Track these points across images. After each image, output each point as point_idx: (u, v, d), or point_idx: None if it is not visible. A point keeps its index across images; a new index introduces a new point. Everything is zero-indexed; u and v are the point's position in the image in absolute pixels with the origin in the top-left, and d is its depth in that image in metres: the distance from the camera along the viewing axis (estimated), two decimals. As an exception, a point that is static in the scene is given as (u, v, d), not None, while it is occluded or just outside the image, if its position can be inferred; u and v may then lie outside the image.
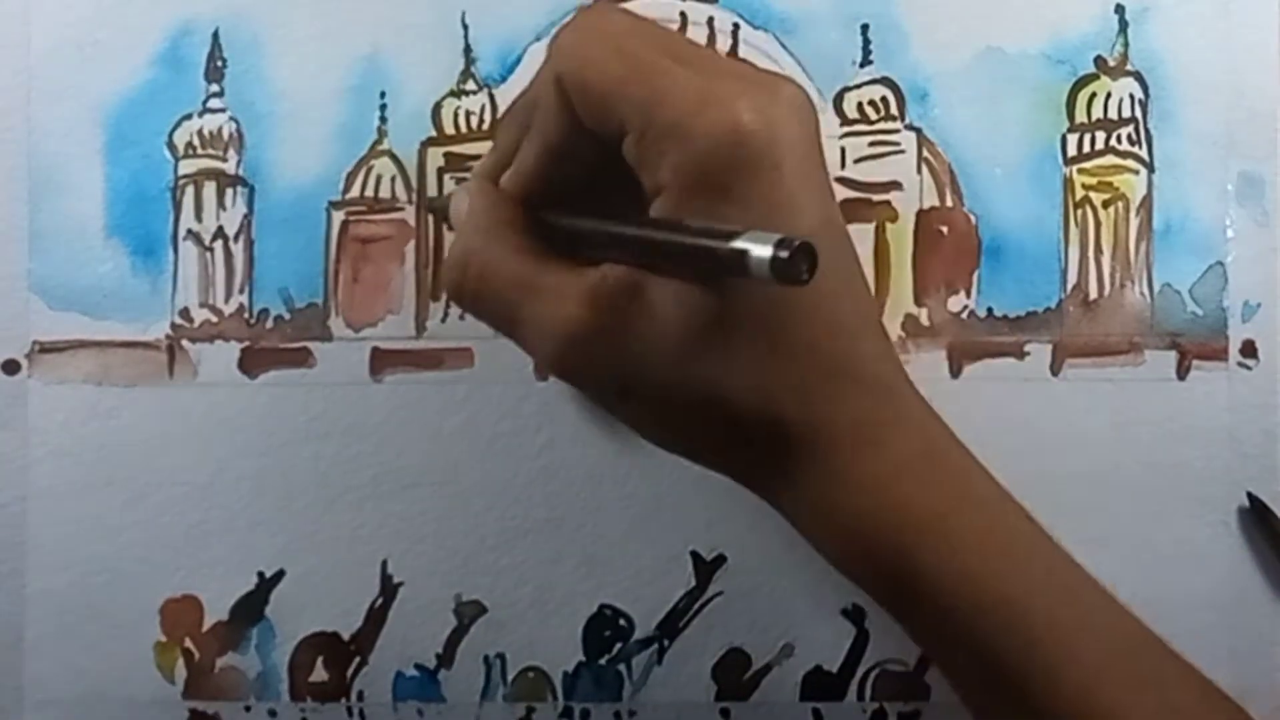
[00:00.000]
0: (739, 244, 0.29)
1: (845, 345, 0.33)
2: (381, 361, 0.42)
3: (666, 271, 0.32)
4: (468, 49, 0.42)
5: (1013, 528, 0.34)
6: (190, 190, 0.42)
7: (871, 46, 0.42)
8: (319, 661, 0.42)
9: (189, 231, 0.42)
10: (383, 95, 0.42)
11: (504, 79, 0.42)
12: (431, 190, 0.42)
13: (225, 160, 0.42)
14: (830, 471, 0.33)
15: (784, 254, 0.28)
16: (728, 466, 0.35)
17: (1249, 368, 0.42)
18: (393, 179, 0.42)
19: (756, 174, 0.31)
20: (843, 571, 0.35)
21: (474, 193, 0.36)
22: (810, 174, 0.32)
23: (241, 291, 0.42)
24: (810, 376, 0.33)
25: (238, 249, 0.42)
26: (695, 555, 0.42)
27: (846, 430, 0.33)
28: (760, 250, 0.29)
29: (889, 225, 0.42)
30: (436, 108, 0.42)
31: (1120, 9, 0.42)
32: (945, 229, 0.42)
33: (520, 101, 0.37)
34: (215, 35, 0.42)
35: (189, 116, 0.42)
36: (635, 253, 0.33)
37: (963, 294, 0.42)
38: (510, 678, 0.42)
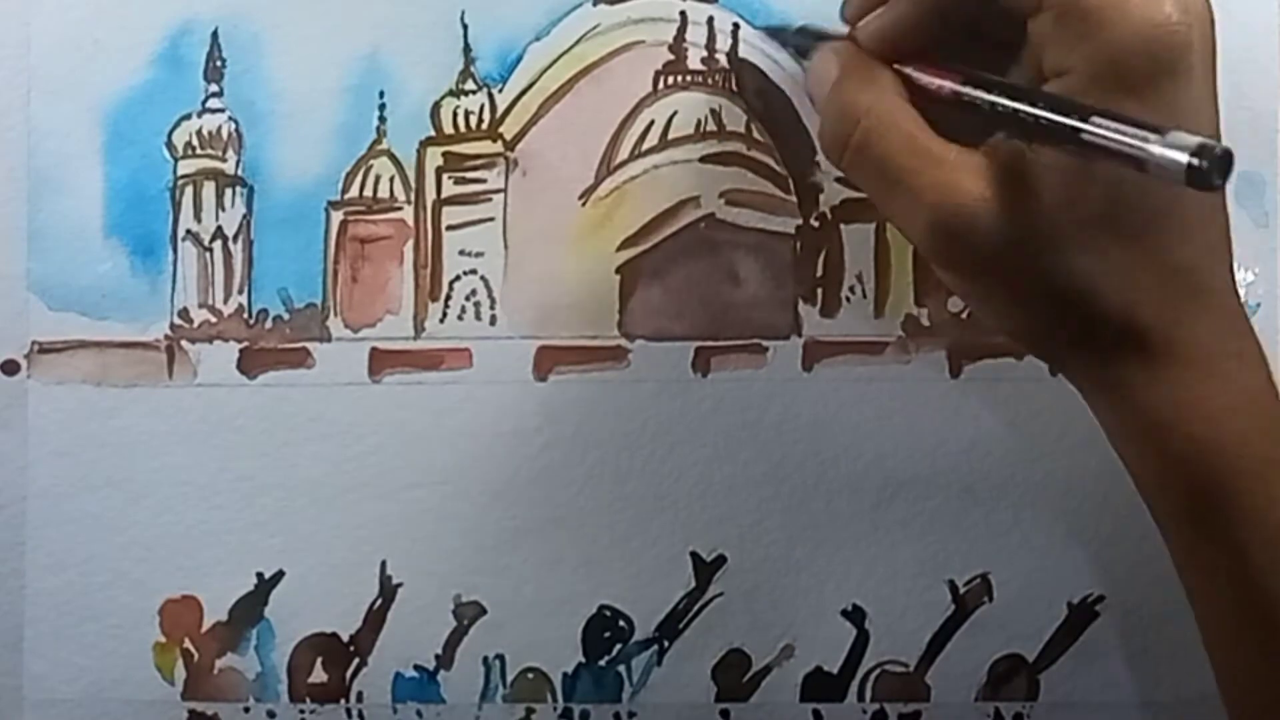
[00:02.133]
0: (1161, 148, 0.28)
1: (1214, 267, 0.33)
2: (380, 362, 0.42)
3: (1054, 151, 0.31)
4: (467, 48, 0.42)
5: None
6: (189, 190, 0.42)
7: (871, 46, 0.42)
8: (318, 662, 0.42)
9: (188, 232, 0.42)
10: (382, 95, 0.42)
11: (504, 79, 0.42)
12: (430, 190, 0.42)
13: (224, 160, 0.42)
14: (1175, 392, 0.33)
15: (1204, 163, 0.27)
16: (1069, 362, 0.35)
17: (1249, 368, 0.41)
18: (392, 179, 0.42)
19: (1172, 76, 0.31)
20: (1141, 487, 0.35)
21: (838, 49, 0.35)
22: (1211, 82, 0.32)
23: (240, 292, 0.42)
24: (1180, 292, 0.32)
25: (237, 249, 0.42)
26: (695, 556, 0.42)
27: (1202, 354, 0.33)
28: (1179, 155, 0.28)
29: (889, 225, 0.42)
30: (436, 107, 0.42)
31: (1120, 9, 0.42)
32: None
33: None
34: (215, 35, 0.42)
35: (188, 116, 0.42)
36: (1031, 131, 0.32)
37: (963, 294, 0.42)
38: (510, 679, 0.42)
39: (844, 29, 0.37)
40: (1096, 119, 0.30)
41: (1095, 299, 0.32)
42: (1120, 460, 0.35)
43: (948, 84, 0.34)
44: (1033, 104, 0.31)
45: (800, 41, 0.40)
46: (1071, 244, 0.32)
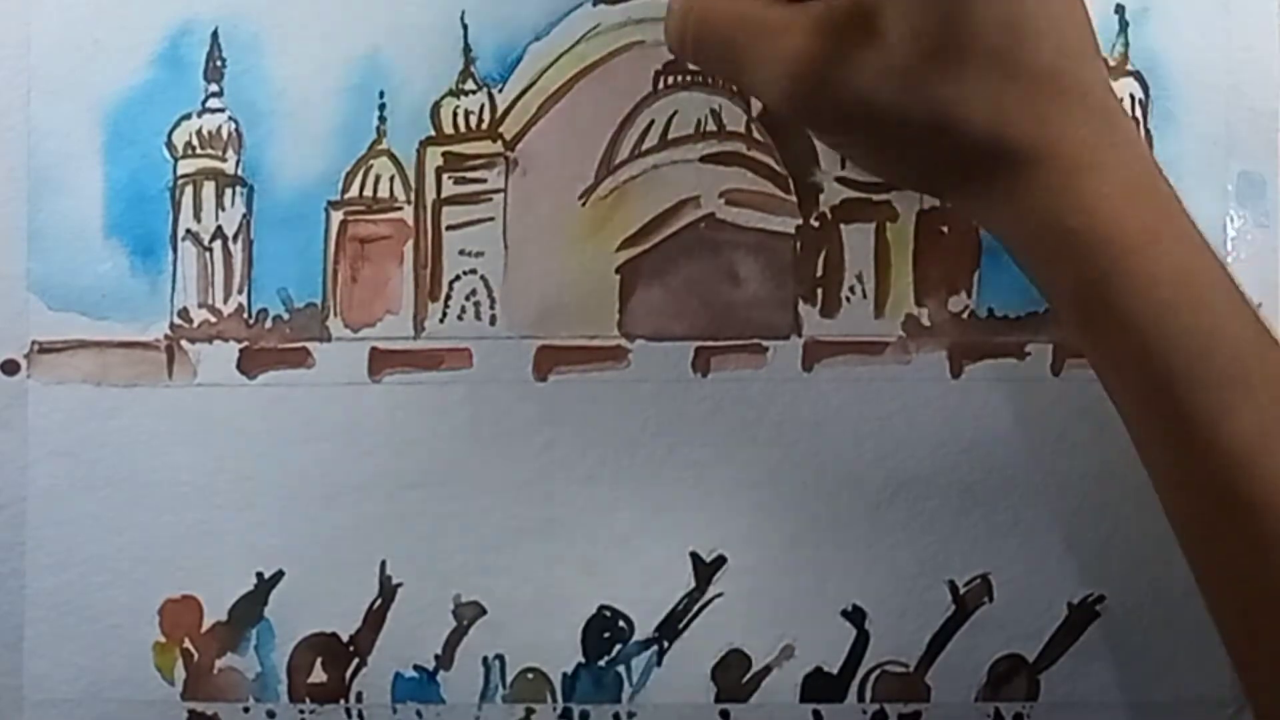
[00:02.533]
0: None
1: (1073, 66, 0.34)
2: (380, 362, 0.42)
3: None
4: (467, 48, 0.42)
5: (1207, 267, 0.34)
6: (189, 190, 0.42)
7: (871, 46, 0.42)
8: (318, 662, 0.42)
9: (188, 231, 0.42)
10: (382, 95, 0.42)
11: (504, 78, 0.42)
12: (430, 190, 0.42)
13: (224, 160, 0.42)
14: (1050, 190, 0.33)
15: None
16: (952, 192, 0.36)
17: (1249, 368, 0.41)
18: (391, 179, 0.42)
19: None
20: (1038, 286, 0.35)
21: None
22: None
23: (240, 291, 0.42)
24: (1040, 97, 0.33)
25: (237, 249, 0.42)
26: (695, 556, 0.42)
27: (1071, 150, 0.33)
28: None
29: (889, 225, 0.42)
30: (435, 107, 0.42)
31: (1120, 9, 0.42)
32: (946, 229, 0.42)
33: None
34: (214, 35, 0.42)
35: (188, 116, 0.42)
36: None
37: (963, 294, 0.42)
38: (509, 679, 0.42)
39: None
40: None
41: (961, 124, 0.33)
42: (1016, 262, 0.36)
43: None
44: None
45: None
46: (925, 77, 0.33)
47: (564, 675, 0.42)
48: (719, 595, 0.42)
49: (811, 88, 0.33)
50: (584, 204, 0.42)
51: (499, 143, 0.42)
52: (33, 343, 0.42)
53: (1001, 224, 0.35)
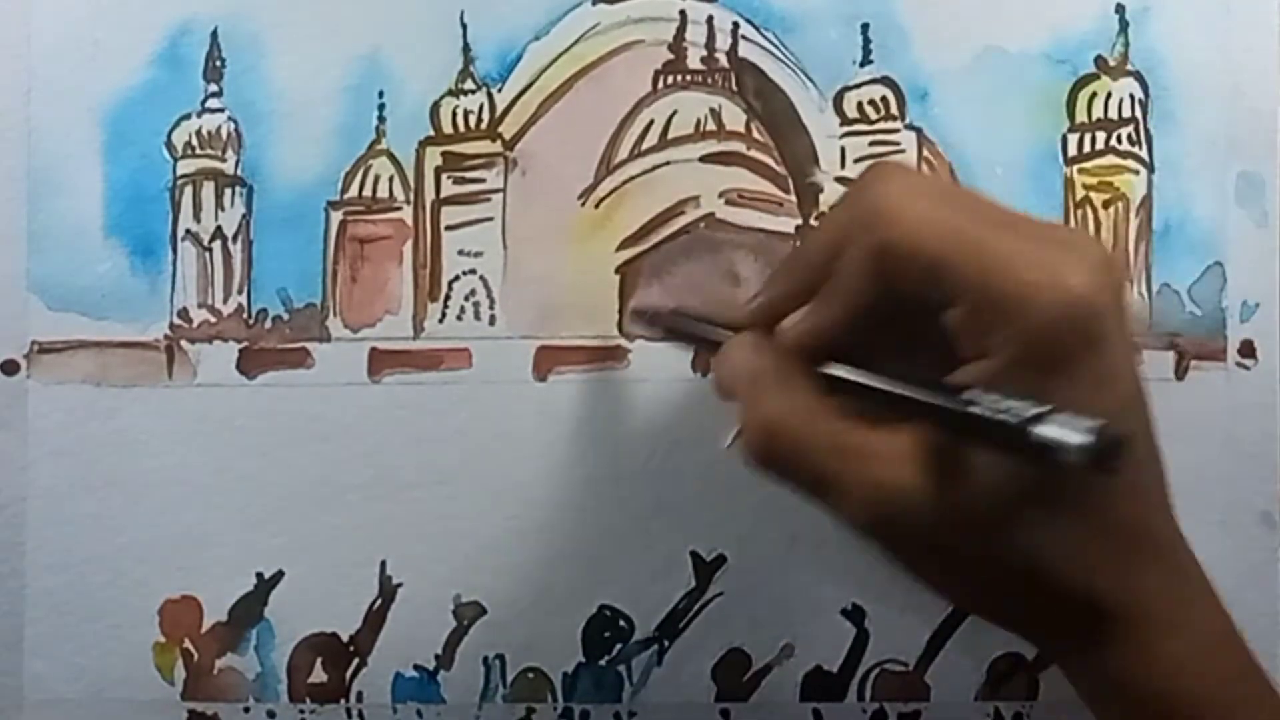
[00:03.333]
0: (1052, 432, 0.28)
1: (1154, 518, 0.33)
2: (380, 362, 0.42)
3: (973, 440, 0.31)
4: (466, 48, 0.42)
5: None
6: (189, 190, 0.42)
7: (871, 46, 0.42)
8: (318, 662, 0.42)
9: (188, 231, 0.42)
10: (381, 95, 0.42)
11: (503, 78, 0.42)
12: (429, 190, 0.42)
13: (224, 160, 0.42)
14: (1135, 649, 0.33)
15: (1099, 445, 0.28)
16: (1028, 631, 0.35)
17: (1247, 368, 0.42)
18: (391, 179, 0.42)
19: (1090, 348, 0.30)
20: None
21: (752, 348, 0.35)
22: (1128, 341, 0.32)
23: (240, 292, 0.42)
24: (1126, 552, 0.32)
25: (236, 249, 0.42)
26: (695, 555, 0.42)
27: (1155, 608, 0.32)
28: (1076, 438, 0.28)
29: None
30: (435, 107, 0.42)
31: (1120, 9, 0.42)
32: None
33: (812, 253, 0.35)
34: (214, 35, 0.42)
35: (188, 116, 0.42)
36: (941, 421, 0.31)
37: (963, 294, 0.42)
38: (510, 678, 0.42)
39: (718, 313, 0.36)
40: (979, 407, 0.30)
41: (1042, 573, 0.32)
42: (1092, 713, 0.35)
43: (866, 382, 0.33)
44: (941, 397, 0.31)
45: (676, 325, 0.38)
46: (1009, 522, 0.32)
47: (564, 675, 0.42)
48: (719, 595, 0.42)
49: (893, 520, 0.32)
50: (583, 204, 0.42)
51: (498, 142, 0.42)
52: (33, 343, 0.42)
53: (1080, 674, 0.34)
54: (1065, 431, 0.28)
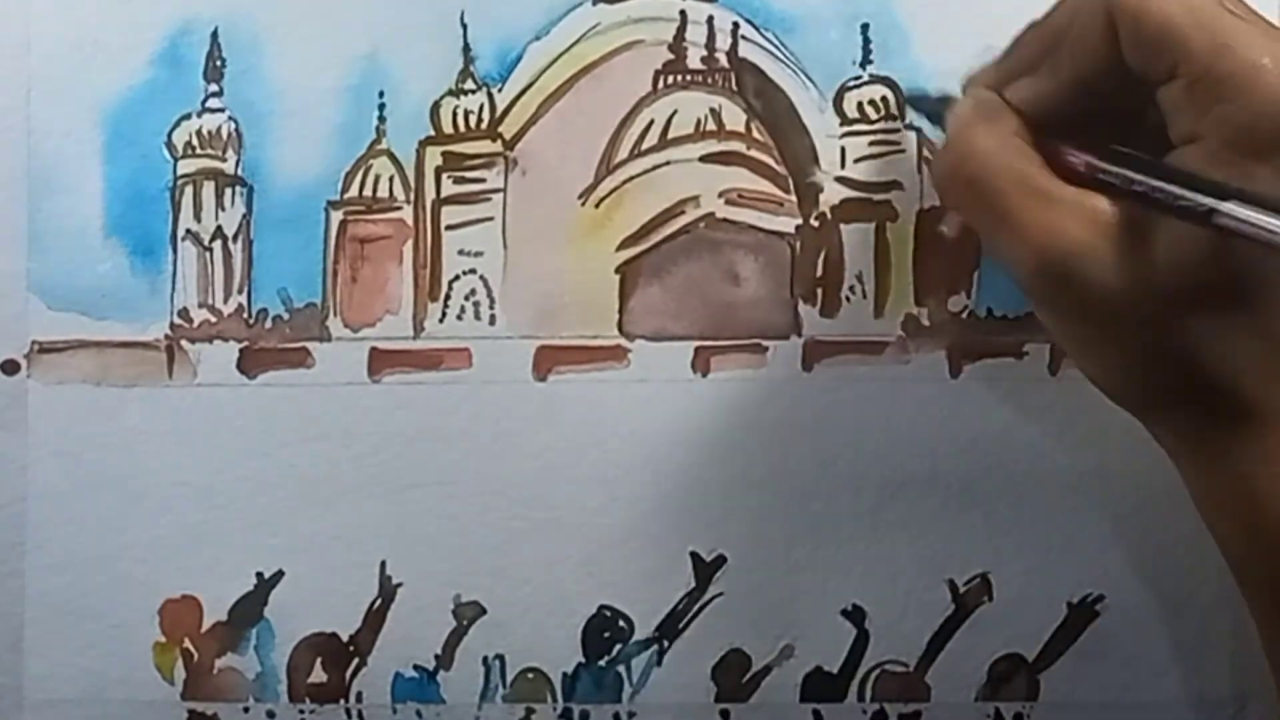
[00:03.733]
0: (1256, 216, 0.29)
1: None
2: (380, 362, 0.42)
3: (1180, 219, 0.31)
4: (466, 48, 0.42)
5: None
6: (189, 190, 0.42)
7: (871, 46, 0.42)
8: (318, 662, 0.42)
9: (188, 231, 0.42)
10: (381, 95, 0.42)
11: (503, 78, 0.42)
12: (430, 190, 0.42)
13: (224, 160, 0.42)
14: (1265, 452, 0.32)
15: None
16: (1163, 421, 0.35)
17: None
18: (391, 179, 0.42)
19: None
20: (1229, 557, 0.34)
21: (977, 96, 0.35)
22: None
23: (240, 291, 0.42)
24: (1278, 361, 0.32)
25: (236, 249, 0.42)
26: (695, 556, 0.42)
27: None
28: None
29: (889, 225, 0.42)
30: (435, 107, 0.42)
31: (1120, 8, 0.42)
32: (945, 229, 0.42)
33: (1050, 21, 0.35)
34: (214, 35, 0.42)
35: (188, 116, 0.42)
36: (1147, 201, 0.31)
37: (963, 294, 0.42)
38: (509, 679, 0.42)
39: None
40: (1233, 204, 0.30)
41: (1201, 362, 0.32)
42: (1207, 528, 0.34)
43: (1084, 159, 0.33)
44: (1169, 182, 0.31)
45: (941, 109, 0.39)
46: (1181, 305, 0.32)
47: (564, 675, 0.42)
48: (719, 595, 0.42)
49: (1064, 274, 0.32)
50: (584, 204, 0.42)
51: (498, 142, 0.42)
52: (33, 343, 0.42)
53: (1207, 477, 0.34)
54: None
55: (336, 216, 0.42)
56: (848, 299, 0.42)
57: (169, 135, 0.42)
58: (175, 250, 0.42)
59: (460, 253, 0.42)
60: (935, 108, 0.39)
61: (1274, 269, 0.31)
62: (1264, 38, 0.31)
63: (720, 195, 0.42)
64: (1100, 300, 0.32)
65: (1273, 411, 0.32)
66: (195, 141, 0.42)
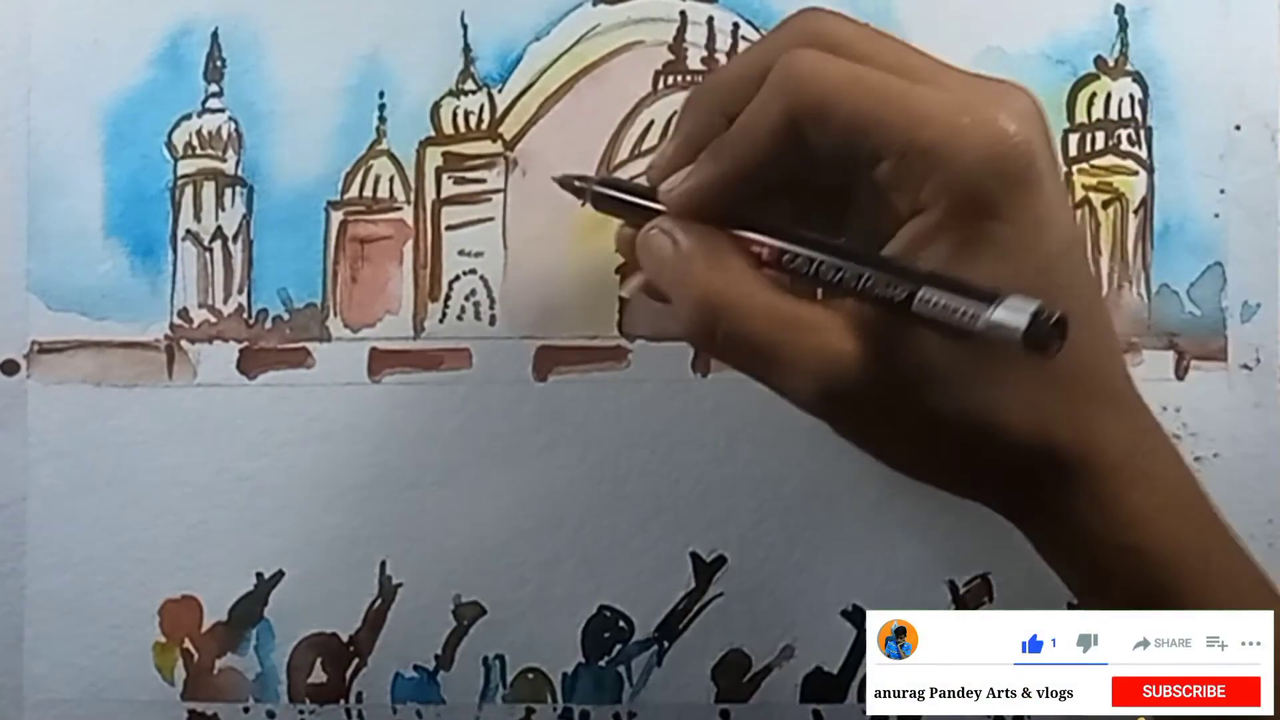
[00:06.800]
0: (993, 318, 0.28)
1: (1108, 367, 0.33)
2: (380, 362, 0.42)
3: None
4: (467, 48, 0.42)
5: (1253, 573, 0.34)
6: (189, 190, 0.42)
7: (871, 46, 0.42)
8: (318, 662, 0.42)
9: (188, 232, 0.42)
10: (381, 95, 0.42)
11: (503, 79, 0.42)
12: (430, 190, 0.42)
13: (224, 160, 0.42)
14: (1101, 502, 0.32)
15: (1038, 328, 0.28)
16: (989, 496, 0.35)
17: (1249, 368, 0.42)
18: (391, 179, 0.42)
19: (1025, 189, 0.30)
20: (1081, 599, 0.34)
21: (679, 230, 0.33)
22: (1060, 183, 0.32)
23: (240, 292, 0.42)
24: (1080, 401, 0.32)
25: (236, 249, 0.42)
26: (695, 556, 0.42)
27: (1117, 459, 0.32)
28: (1014, 320, 0.28)
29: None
30: (435, 107, 0.42)
31: (1120, 9, 0.42)
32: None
33: (702, 100, 0.35)
34: (214, 35, 0.42)
35: (188, 116, 0.42)
36: (880, 296, 0.31)
37: (962, 294, 0.42)
38: (509, 679, 0.42)
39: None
40: (927, 290, 0.30)
41: (1003, 432, 0.32)
42: (1055, 574, 0.34)
43: (771, 247, 0.33)
44: (858, 276, 0.31)
45: (603, 192, 0.37)
46: (961, 381, 0.31)
47: (564, 675, 0.42)
48: (719, 595, 0.42)
49: (847, 390, 0.32)
50: (584, 204, 0.42)
51: (499, 143, 0.42)
52: (33, 343, 0.42)
53: (1044, 531, 0.34)
54: (1008, 317, 0.28)
55: (337, 217, 0.42)
56: (848, 299, 0.42)
57: (169, 135, 0.42)
58: (175, 250, 0.42)
59: (460, 253, 0.42)
60: (595, 189, 0.37)
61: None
62: (951, 94, 0.31)
63: (720, 195, 0.42)
64: (884, 403, 0.32)
65: (1086, 452, 0.32)
66: (195, 142, 0.42)
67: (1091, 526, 0.32)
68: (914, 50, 0.32)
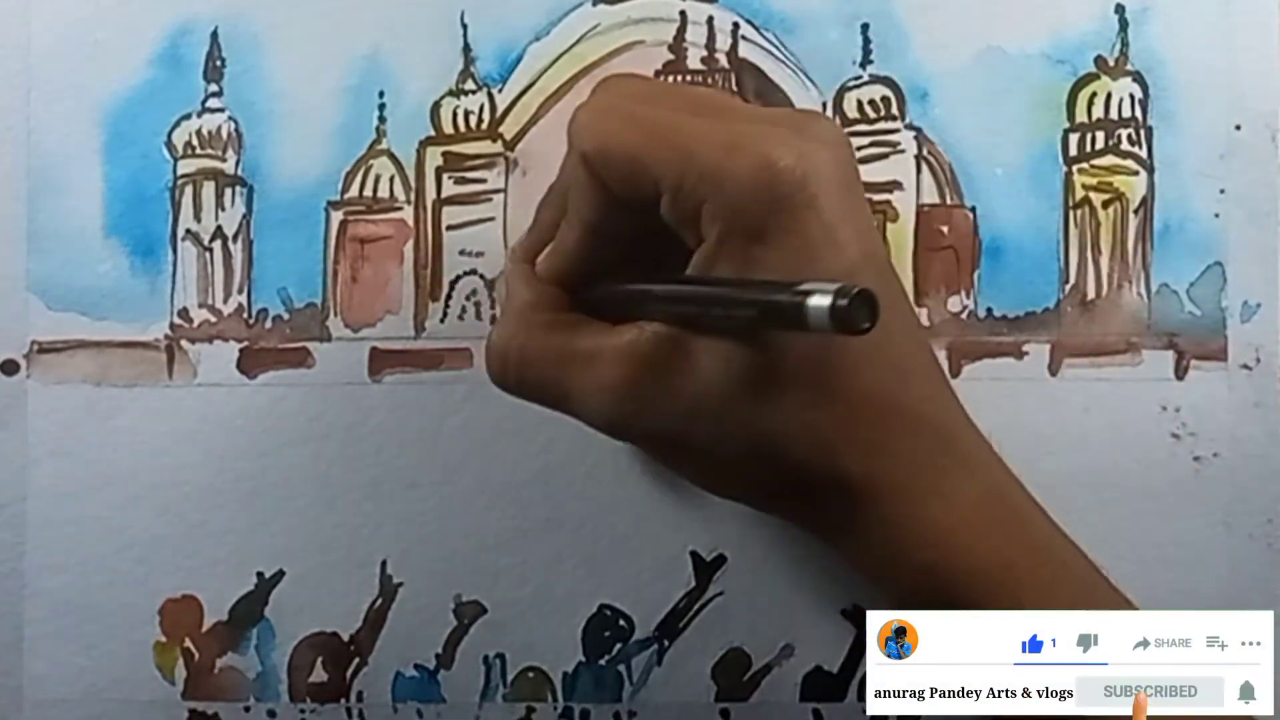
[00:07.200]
0: (798, 294, 0.29)
1: (898, 388, 0.33)
2: (380, 361, 0.42)
3: (713, 328, 0.32)
4: (467, 48, 0.42)
5: (1074, 575, 0.34)
6: (189, 190, 0.42)
7: (871, 46, 0.42)
8: (318, 662, 0.42)
9: (188, 231, 0.42)
10: (381, 95, 0.42)
11: (503, 78, 0.42)
12: (430, 190, 0.42)
13: (224, 160, 0.42)
14: (892, 523, 0.33)
15: (843, 302, 0.28)
16: (789, 514, 0.35)
17: (1249, 368, 0.42)
18: (391, 179, 0.42)
19: (792, 212, 0.31)
20: (892, 605, 0.35)
21: (510, 276, 0.37)
22: (847, 208, 0.32)
23: (240, 291, 0.42)
24: (865, 424, 0.32)
25: (236, 249, 0.42)
26: (695, 555, 0.42)
27: (906, 479, 0.32)
28: (818, 300, 0.28)
29: (889, 225, 0.42)
30: (435, 107, 0.42)
31: (1120, 9, 0.42)
32: (945, 229, 0.42)
33: (556, 183, 0.37)
34: (214, 35, 0.42)
35: (188, 116, 0.42)
36: (680, 310, 0.32)
37: (962, 294, 0.42)
38: (510, 678, 0.42)
39: None
40: (717, 288, 0.31)
41: (785, 454, 0.32)
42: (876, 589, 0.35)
43: (601, 287, 0.35)
44: (675, 285, 0.32)
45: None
46: (743, 407, 0.32)
47: (564, 674, 0.42)
48: (719, 595, 0.42)
49: (628, 415, 0.33)
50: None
51: (499, 143, 0.42)
52: (33, 343, 0.42)
53: (855, 556, 0.35)
54: (810, 295, 0.28)
55: (337, 216, 0.42)
56: (848, 299, 0.42)
57: (169, 135, 0.42)
58: (175, 250, 0.42)
59: (461, 253, 0.42)
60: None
61: (812, 341, 0.31)
62: (724, 124, 0.32)
63: (720, 195, 0.42)
64: (668, 426, 0.33)
65: (873, 475, 0.32)
66: (195, 141, 0.42)
67: (886, 546, 0.33)
68: (707, 91, 0.34)
